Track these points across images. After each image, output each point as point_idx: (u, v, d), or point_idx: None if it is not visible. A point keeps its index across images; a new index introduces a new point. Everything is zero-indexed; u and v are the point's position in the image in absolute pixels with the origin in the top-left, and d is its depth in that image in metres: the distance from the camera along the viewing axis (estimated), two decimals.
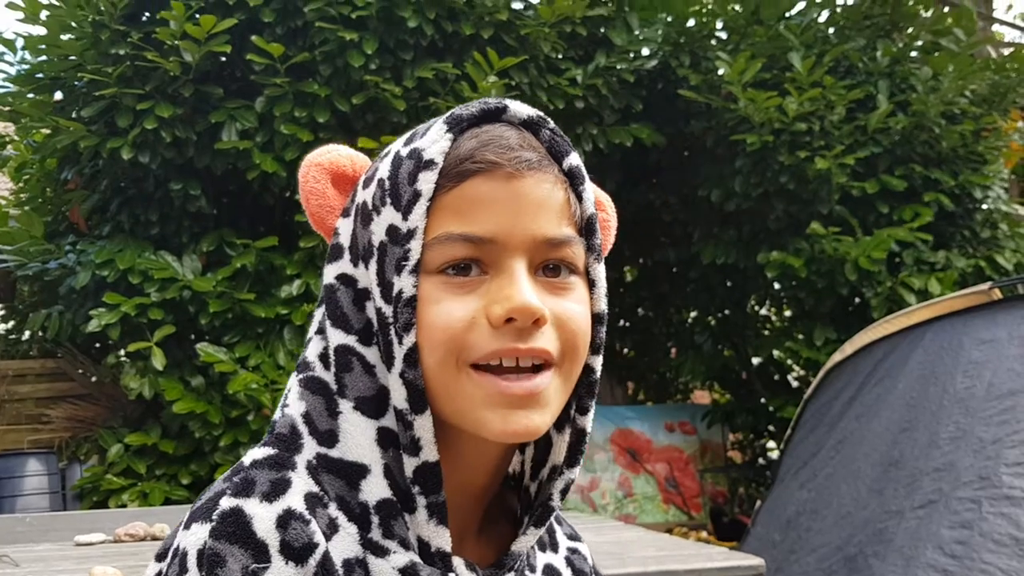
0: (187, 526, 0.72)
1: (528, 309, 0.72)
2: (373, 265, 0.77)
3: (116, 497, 4.41)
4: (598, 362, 0.80)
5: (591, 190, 0.80)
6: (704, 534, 5.63)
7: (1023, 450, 2.84)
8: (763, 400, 5.94)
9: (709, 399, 6.94)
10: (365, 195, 0.80)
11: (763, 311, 6.63)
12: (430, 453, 0.75)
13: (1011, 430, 2.89)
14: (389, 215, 0.76)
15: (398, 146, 0.80)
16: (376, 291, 0.77)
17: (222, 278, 4.50)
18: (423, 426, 0.74)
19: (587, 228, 0.79)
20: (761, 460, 6.50)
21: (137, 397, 4.46)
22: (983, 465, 2.90)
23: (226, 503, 0.71)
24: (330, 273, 0.82)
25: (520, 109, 0.78)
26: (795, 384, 6.31)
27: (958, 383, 3.15)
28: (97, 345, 5.23)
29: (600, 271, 0.80)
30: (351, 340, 0.78)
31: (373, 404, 0.77)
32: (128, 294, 4.43)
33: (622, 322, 6.99)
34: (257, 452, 0.76)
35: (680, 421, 6.26)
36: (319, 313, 0.83)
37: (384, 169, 0.79)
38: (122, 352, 4.68)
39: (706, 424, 6.17)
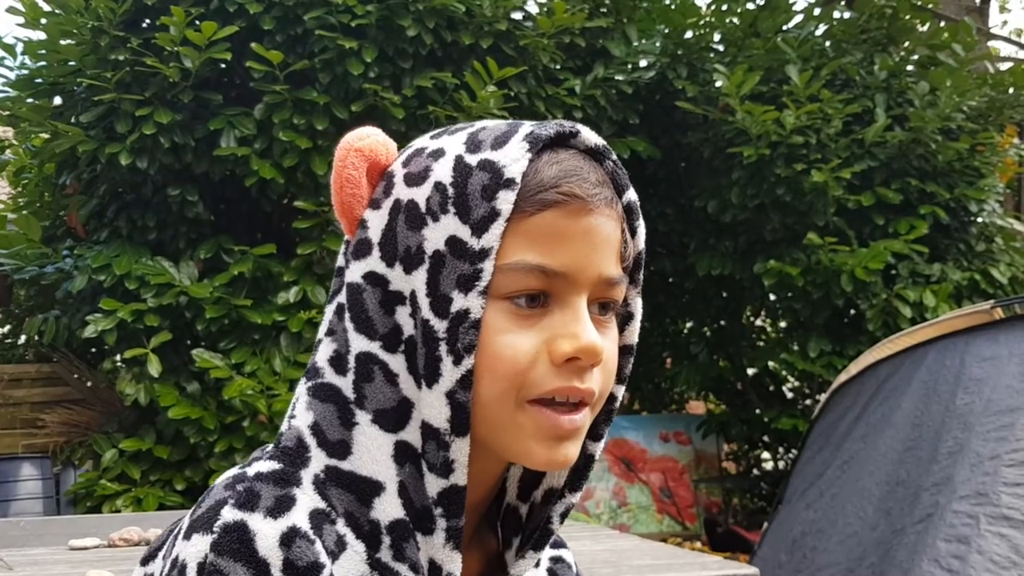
0: (187, 536, 0.69)
1: (594, 349, 0.72)
2: (422, 274, 0.72)
3: (110, 502, 4.40)
4: (620, 391, 0.80)
5: (642, 225, 0.79)
6: (698, 544, 5.63)
7: (1022, 470, 2.85)
8: (758, 411, 5.94)
9: (704, 409, 6.95)
10: (413, 193, 0.74)
11: (758, 322, 6.64)
12: (460, 477, 0.72)
13: (1010, 447, 2.90)
14: (452, 225, 0.72)
15: (457, 148, 0.75)
16: (424, 301, 0.72)
17: (219, 284, 4.50)
18: (460, 449, 0.72)
19: (635, 263, 0.79)
20: (755, 471, 6.51)
21: (132, 403, 4.45)
22: (981, 481, 2.90)
23: (229, 515, 0.68)
24: (356, 271, 0.75)
25: (590, 136, 0.76)
26: (790, 395, 6.32)
27: (958, 399, 3.16)
28: (93, 350, 5.23)
29: (639, 304, 0.80)
30: (375, 347, 0.74)
31: (392, 417, 0.73)
32: (125, 300, 4.42)
33: None
34: (262, 465, 0.73)
35: (675, 431, 6.27)
36: (330, 311, 0.78)
37: (443, 172, 0.73)
38: (118, 357, 4.68)
39: (701, 434, 6.17)
